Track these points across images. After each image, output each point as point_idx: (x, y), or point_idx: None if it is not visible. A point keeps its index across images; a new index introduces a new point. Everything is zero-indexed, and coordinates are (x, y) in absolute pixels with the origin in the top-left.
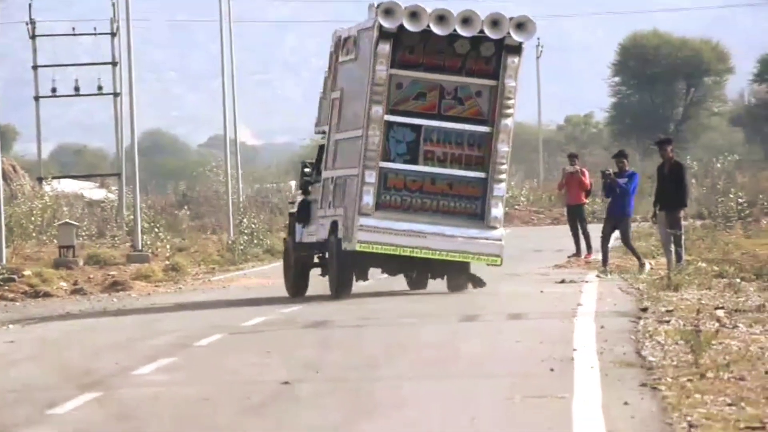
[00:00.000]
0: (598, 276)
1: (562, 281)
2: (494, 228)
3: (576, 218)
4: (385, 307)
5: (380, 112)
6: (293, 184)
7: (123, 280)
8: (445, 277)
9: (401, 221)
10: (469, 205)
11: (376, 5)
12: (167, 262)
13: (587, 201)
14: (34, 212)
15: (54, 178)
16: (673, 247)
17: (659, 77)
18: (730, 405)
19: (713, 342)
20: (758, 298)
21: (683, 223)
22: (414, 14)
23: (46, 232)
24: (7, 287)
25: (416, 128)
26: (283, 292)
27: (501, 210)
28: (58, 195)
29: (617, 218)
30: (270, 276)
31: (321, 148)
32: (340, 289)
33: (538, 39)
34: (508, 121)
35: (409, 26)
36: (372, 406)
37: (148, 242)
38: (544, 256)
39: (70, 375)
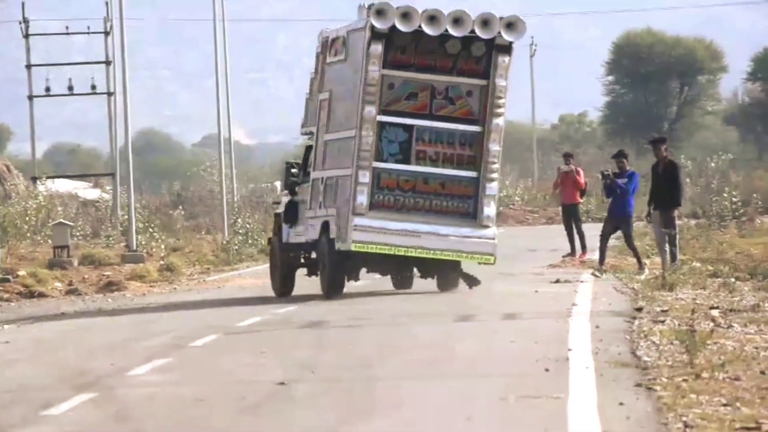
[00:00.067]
0: (593, 274)
1: (557, 281)
2: (487, 227)
3: (571, 217)
4: (379, 307)
5: (373, 113)
6: (278, 184)
7: (118, 280)
8: (436, 276)
9: (395, 221)
10: (462, 204)
11: (367, 6)
12: (162, 263)
13: (582, 200)
14: (29, 212)
15: (48, 177)
16: (667, 247)
17: (653, 76)
18: (725, 405)
19: (708, 342)
20: (753, 298)
21: (678, 222)
22: (406, 15)
23: (40, 232)
24: (1, 287)
25: (408, 128)
26: None
27: (493, 209)
28: (52, 195)
29: (618, 219)
30: (265, 276)
31: (308, 148)
32: (332, 290)
33: (532, 38)
34: (499, 121)
35: (401, 27)
36: (368, 406)
37: (143, 242)
38: (538, 255)
39: (65, 375)
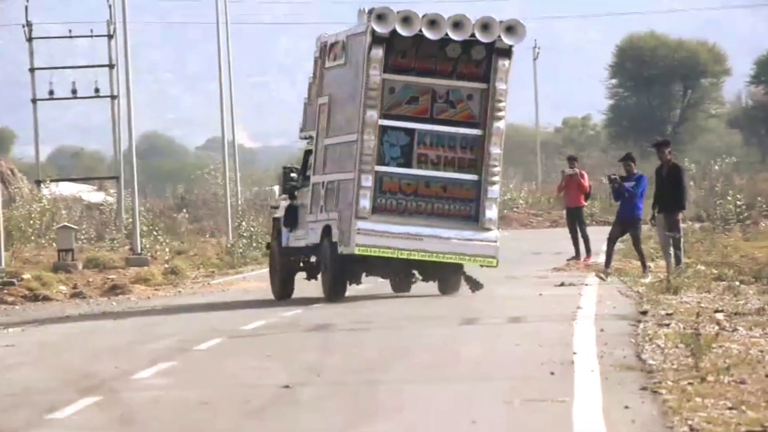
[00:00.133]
0: (598, 276)
1: (562, 284)
2: (489, 229)
3: (575, 221)
4: (383, 310)
5: (375, 117)
6: (276, 189)
7: (122, 283)
8: (437, 279)
9: (398, 224)
10: (464, 207)
11: (367, 11)
12: (166, 266)
13: (586, 204)
14: (33, 215)
15: (52, 181)
16: (672, 250)
17: (656, 79)
18: (730, 408)
19: (713, 345)
20: (757, 301)
21: (682, 225)
22: (406, 19)
23: (44, 235)
24: (6, 291)
25: (410, 132)
26: None
27: (495, 212)
28: (56, 198)
29: (627, 222)
30: (269, 279)
31: (307, 153)
32: (334, 293)
33: (535, 41)
34: (500, 124)
35: (401, 31)
36: (372, 409)
37: (147, 245)
38: (542, 258)
39: (70, 379)
